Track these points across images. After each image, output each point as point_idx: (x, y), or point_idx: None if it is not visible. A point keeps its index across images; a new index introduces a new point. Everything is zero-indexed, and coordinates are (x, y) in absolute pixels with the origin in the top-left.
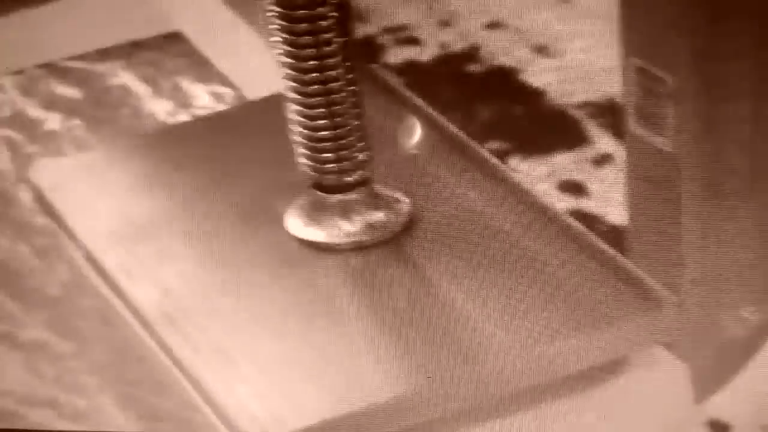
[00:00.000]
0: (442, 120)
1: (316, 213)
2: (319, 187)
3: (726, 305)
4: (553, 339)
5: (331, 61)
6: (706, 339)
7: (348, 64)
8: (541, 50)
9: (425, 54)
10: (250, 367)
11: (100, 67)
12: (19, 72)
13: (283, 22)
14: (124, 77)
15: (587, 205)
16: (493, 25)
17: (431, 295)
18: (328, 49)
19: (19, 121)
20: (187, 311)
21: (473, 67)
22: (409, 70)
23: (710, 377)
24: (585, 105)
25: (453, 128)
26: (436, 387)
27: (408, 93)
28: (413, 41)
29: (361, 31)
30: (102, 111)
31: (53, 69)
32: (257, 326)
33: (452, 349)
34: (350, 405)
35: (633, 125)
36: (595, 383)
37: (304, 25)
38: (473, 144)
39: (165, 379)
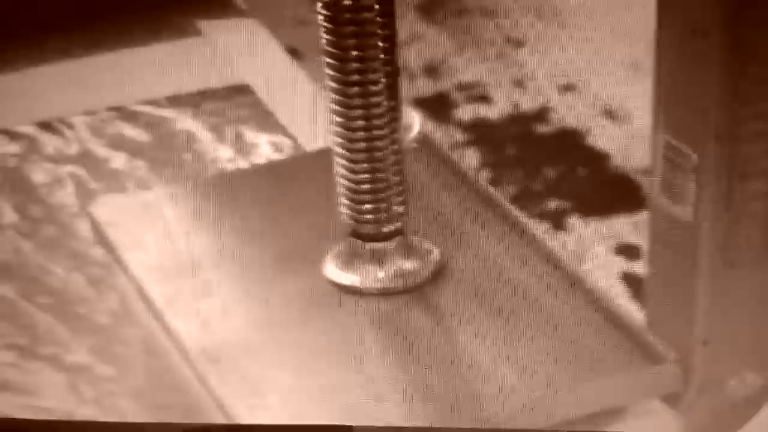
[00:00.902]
0: (480, 182)
1: (352, 259)
2: (357, 235)
3: (731, 368)
4: (556, 385)
5: (377, 122)
6: (709, 398)
7: (394, 126)
8: (610, 114)
9: (495, 112)
10: (274, 397)
11: (168, 113)
12: (91, 113)
13: (336, 84)
14: (189, 123)
15: (641, 269)
16: (565, 88)
17: (448, 341)
18: (376, 111)
19: (86, 158)
20: (222, 345)
21: (542, 128)
22: (478, 127)
23: None
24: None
25: (488, 189)
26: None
27: (451, 155)
28: (485, 99)
29: (435, 86)
30: (165, 154)
31: (123, 112)
32: (286, 362)
33: (462, 389)
34: None
35: (657, 195)
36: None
37: (355, 89)
38: (505, 204)
39: (195, 404)
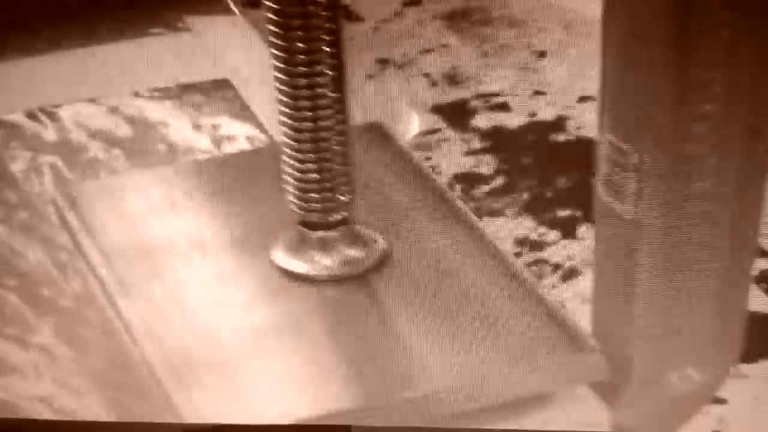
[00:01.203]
0: (433, 178)
1: (300, 247)
2: (305, 224)
3: (673, 363)
4: (485, 369)
5: (324, 113)
6: (649, 393)
7: (341, 116)
8: None
9: (514, 121)
10: (212, 378)
11: (149, 105)
12: (74, 103)
13: (283, 76)
14: (169, 115)
15: None
16: (585, 98)
17: (386, 325)
18: (322, 102)
19: (65, 148)
20: (168, 326)
21: (558, 137)
22: (496, 134)
23: (652, 429)
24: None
25: (442, 187)
26: (372, 406)
27: (408, 151)
28: (504, 107)
29: (455, 94)
30: (142, 144)
31: (105, 103)
32: (230, 343)
33: (394, 370)
34: (289, 416)
35: (602, 193)
36: (521, 415)
37: (303, 81)
38: (457, 202)
39: (146, 386)
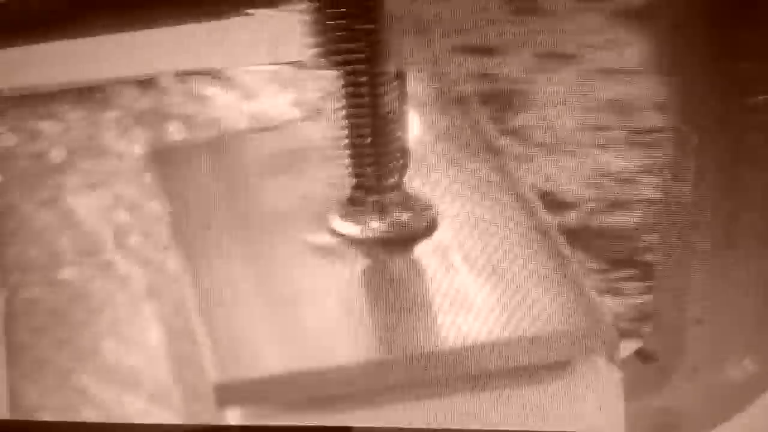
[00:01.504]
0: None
1: (355, 211)
2: (358, 187)
3: (728, 351)
4: (502, 332)
5: (379, 79)
6: (703, 379)
7: (396, 82)
8: None
9: None
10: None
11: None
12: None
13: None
14: (224, 94)
15: None
16: None
17: (422, 285)
18: (378, 70)
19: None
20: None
21: None
22: None
23: (705, 417)
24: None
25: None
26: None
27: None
28: None
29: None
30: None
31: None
32: (284, 298)
33: (416, 329)
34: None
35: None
36: (536, 381)
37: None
38: (512, 174)
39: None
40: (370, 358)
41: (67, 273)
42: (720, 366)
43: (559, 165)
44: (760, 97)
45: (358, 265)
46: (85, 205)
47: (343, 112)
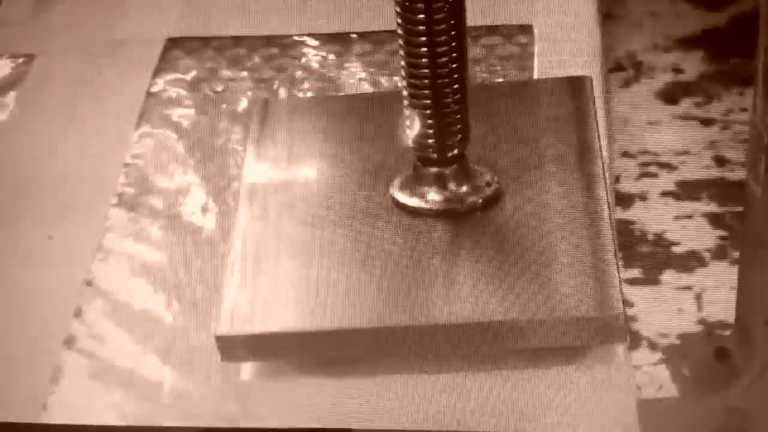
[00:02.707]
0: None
1: (415, 183)
2: (420, 159)
3: None
4: (511, 312)
5: (440, 59)
6: None
7: (458, 60)
8: None
9: None
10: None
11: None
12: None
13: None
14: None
15: None
16: None
17: (458, 258)
18: (440, 39)
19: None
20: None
21: None
22: None
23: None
24: None
25: (598, 161)
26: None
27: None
28: None
29: None
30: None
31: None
32: (309, 257)
33: (435, 299)
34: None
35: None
36: (544, 366)
37: (420, 16)
38: (598, 167)
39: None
40: (384, 324)
41: None
42: None
43: None
44: None
45: (399, 234)
46: None
47: (404, 82)
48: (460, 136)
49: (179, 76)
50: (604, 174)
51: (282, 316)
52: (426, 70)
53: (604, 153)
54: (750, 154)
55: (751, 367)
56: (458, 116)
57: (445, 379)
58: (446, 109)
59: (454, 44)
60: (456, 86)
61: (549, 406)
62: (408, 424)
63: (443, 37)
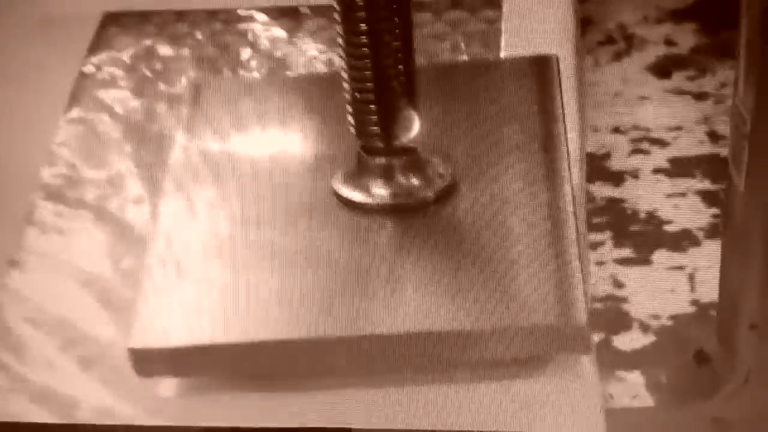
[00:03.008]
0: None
1: (360, 175)
2: (365, 149)
3: None
4: (468, 321)
5: (384, 26)
6: (756, 387)
7: (400, 42)
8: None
9: None
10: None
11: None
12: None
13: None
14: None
15: None
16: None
17: (410, 260)
18: (380, 13)
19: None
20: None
21: None
22: None
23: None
24: None
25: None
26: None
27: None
28: None
29: None
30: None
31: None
32: (265, 262)
33: (378, 306)
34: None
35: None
36: (514, 375)
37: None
38: (562, 153)
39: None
40: (321, 335)
41: None
42: None
43: None
44: None
45: (340, 233)
46: None
47: (344, 64)
48: (408, 122)
49: (115, 54)
50: (569, 165)
51: (206, 327)
52: (365, 49)
53: (574, 138)
54: (732, 143)
55: (735, 375)
56: (405, 99)
57: (395, 394)
58: (391, 92)
59: (397, 19)
60: (401, 66)
61: (511, 419)
62: None
63: (384, 12)
